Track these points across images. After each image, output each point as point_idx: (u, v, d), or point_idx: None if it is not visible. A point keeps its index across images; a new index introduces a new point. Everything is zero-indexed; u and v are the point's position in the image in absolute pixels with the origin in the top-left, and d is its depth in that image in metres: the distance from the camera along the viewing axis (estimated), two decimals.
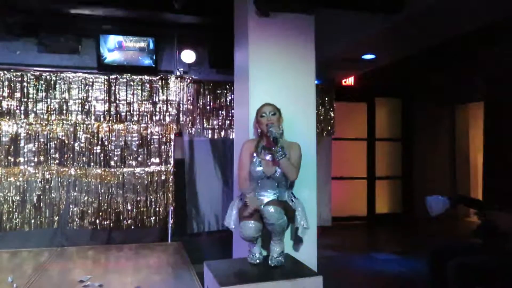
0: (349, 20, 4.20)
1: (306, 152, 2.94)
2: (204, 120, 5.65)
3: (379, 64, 5.47)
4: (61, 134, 5.17)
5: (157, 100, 5.38)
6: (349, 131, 7.31)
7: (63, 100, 5.12)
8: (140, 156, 5.37)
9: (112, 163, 5.28)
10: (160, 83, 5.39)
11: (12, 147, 5.02)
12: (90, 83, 5.18)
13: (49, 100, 5.08)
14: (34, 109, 5.04)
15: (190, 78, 5.53)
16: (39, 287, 3.49)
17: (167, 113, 5.41)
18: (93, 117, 5.19)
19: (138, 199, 5.33)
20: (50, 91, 5.08)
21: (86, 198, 5.20)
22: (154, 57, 5.41)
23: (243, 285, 2.34)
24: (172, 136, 5.49)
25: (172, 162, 5.47)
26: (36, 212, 5.08)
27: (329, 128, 6.32)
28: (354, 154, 7.47)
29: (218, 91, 5.69)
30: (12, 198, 5.01)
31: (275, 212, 2.46)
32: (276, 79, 3.18)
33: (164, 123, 5.42)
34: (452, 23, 3.84)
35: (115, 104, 5.25)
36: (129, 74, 5.30)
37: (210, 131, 5.69)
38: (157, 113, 5.37)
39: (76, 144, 5.19)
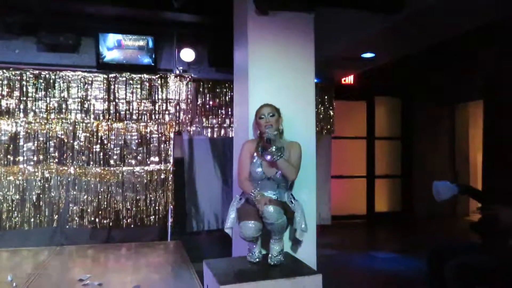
0: (348, 19, 4.19)
1: (306, 150, 2.94)
2: (204, 118, 5.64)
3: (379, 63, 5.47)
4: (61, 133, 5.16)
5: (156, 98, 5.37)
6: (348, 129, 7.32)
7: (63, 99, 5.11)
8: (140, 154, 5.35)
9: (112, 162, 5.27)
10: (159, 81, 5.38)
11: (12, 146, 5.00)
12: (90, 82, 5.17)
13: (48, 98, 5.07)
14: (34, 108, 5.03)
15: (190, 77, 5.53)
16: (38, 286, 3.48)
17: (167, 112, 5.40)
18: (92, 116, 5.19)
19: (137, 198, 5.32)
20: (49, 89, 5.07)
21: (85, 197, 5.19)
22: (153, 56, 5.41)
23: (243, 284, 2.34)
24: (172, 135, 5.47)
25: (171, 160, 5.46)
26: (35, 211, 5.07)
27: (329, 126, 6.31)
28: (353, 152, 7.48)
29: (217, 90, 5.68)
30: (12, 197, 5.00)
31: (275, 212, 2.46)
32: (276, 78, 3.18)
33: (163, 121, 5.41)
34: (452, 23, 3.84)
35: (114, 103, 5.24)
36: (129, 73, 5.28)
37: (209, 130, 5.68)
38: (156, 112, 5.36)
39: (75, 143, 5.18)
